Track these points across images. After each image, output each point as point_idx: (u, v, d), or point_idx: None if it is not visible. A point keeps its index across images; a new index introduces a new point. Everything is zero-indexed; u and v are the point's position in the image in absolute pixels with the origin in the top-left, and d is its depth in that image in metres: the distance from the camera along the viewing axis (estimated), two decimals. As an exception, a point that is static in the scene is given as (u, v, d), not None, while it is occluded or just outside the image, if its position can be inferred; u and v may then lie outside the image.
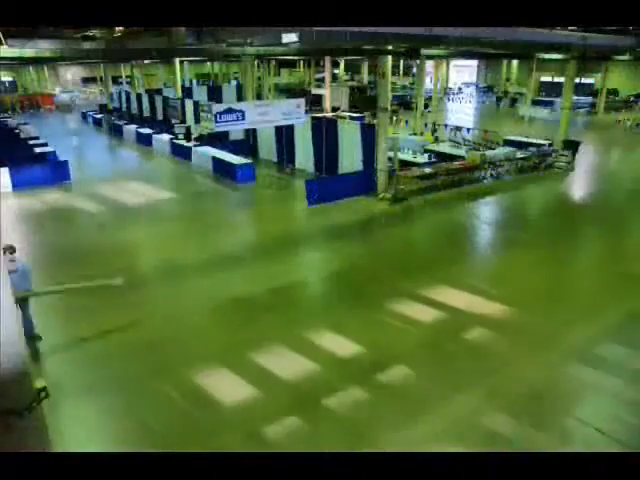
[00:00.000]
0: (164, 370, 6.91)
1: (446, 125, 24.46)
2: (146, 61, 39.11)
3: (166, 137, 23.02)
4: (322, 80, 38.58)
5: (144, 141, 24.76)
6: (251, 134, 20.73)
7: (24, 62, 34.60)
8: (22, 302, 6.80)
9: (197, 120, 20.30)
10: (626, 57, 23.62)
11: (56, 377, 6.64)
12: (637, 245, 11.95)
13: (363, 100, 35.28)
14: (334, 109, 31.09)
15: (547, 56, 27.23)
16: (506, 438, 5.66)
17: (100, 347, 7.50)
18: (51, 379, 6.10)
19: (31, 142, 21.55)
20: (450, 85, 54.89)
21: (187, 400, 6.34)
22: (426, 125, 24.03)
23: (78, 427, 5.92)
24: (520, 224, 13.40)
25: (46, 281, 8.94)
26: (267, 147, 20.44)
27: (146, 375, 6.80)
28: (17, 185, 16.20)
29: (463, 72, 58.21)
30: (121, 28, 11.31)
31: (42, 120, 35.34)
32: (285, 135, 18.79)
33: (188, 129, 21.67)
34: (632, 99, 41.04)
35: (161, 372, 6.86)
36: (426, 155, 18.44)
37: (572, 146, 19.34)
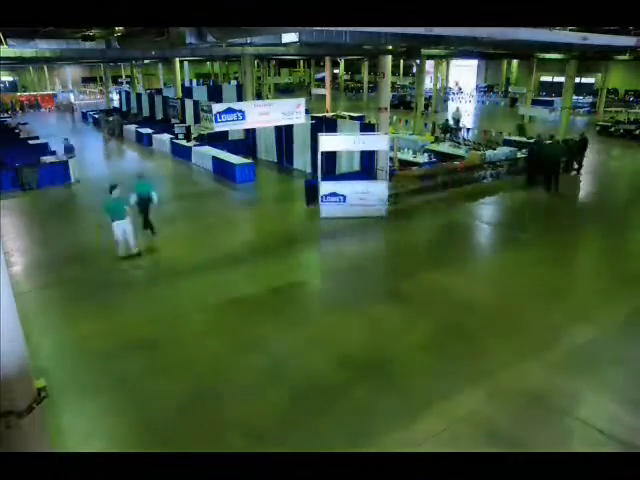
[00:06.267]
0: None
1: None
2: (146, 61, 39.10)
3: (166, 137, 23.01)
4: (322, 80, 38.55)
5: (144, 141, 24.75)
6: (251, 134, 20.72)
7: (24, 62, 34.58)
8: None
9: (197, 120, 20.30)
10: (626, 57, 23.62)
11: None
12: None
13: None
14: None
15: (547, 56, 27.19)
16: None
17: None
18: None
19: (31, 142, 21.53)
20: (450, 85, 54.83)
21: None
22: (426, 125, 24.03)
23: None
24: (520, 223, 13.40)
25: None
26: (266, 147, 20.42)
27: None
28: (15, 186, 16.16)
29: (463, 72, 58.15)
30: (121, 28, 11.28)
31: (42, 120, 35.34)
32: (284, 135, 18.76)
33: (188, 129, 21.66)
34: (630, 98, 41.03)
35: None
36: (426, 155, 18.43)
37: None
